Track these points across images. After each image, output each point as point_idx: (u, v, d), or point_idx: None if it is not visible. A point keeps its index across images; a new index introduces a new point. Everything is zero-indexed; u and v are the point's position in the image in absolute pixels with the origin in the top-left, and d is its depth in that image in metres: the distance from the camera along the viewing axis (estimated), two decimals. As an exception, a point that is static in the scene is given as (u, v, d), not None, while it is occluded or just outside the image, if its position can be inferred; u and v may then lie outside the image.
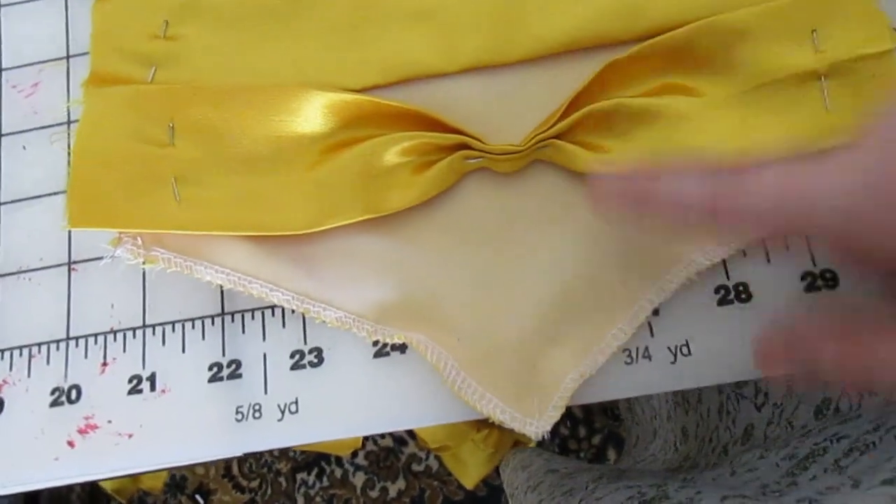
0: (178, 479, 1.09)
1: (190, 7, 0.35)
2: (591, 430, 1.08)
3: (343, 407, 0.31)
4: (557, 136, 0.31)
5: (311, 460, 1.08)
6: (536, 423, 0.29)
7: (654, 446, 0.63)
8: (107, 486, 0.99)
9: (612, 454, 1.07)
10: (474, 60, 0.33)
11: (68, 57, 0.36)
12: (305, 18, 0.34)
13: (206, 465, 1.09)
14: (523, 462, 0.77)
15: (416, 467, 1.07)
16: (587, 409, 1.07)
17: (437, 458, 1.05)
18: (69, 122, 0.35)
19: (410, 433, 1.06)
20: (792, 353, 0.26)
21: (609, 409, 1.08)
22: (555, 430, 1.05)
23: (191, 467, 1.09)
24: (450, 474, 1.02)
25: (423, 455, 1.07)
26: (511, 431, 0.30)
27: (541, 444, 1.07)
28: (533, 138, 0.31)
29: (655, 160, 0.28)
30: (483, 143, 0.31)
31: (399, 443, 1.08)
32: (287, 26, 0.34)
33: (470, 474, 0.99)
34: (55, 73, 0.36)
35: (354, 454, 1.07)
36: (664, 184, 0.26)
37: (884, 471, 0.30)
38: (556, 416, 0.29)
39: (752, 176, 0.25)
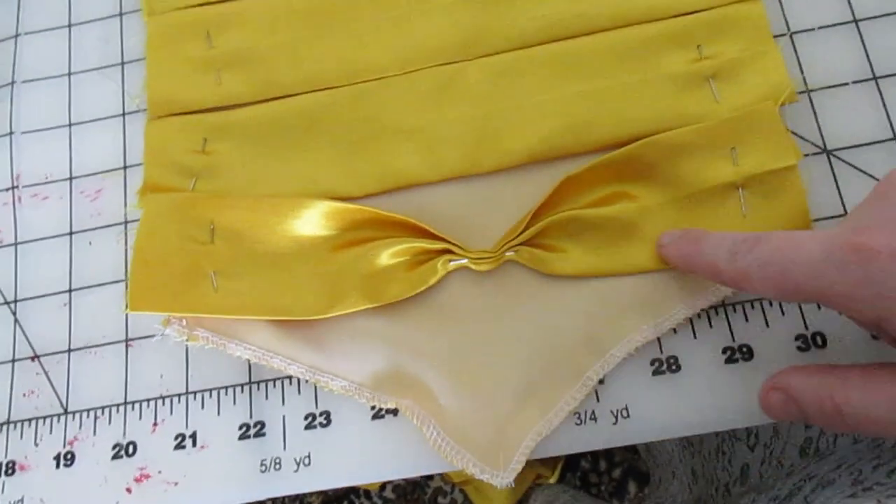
0: (215, 514, 1.11)
1: (223, 127, 0.41)
2: (611, 464, 1.07)
3: (347, 460, 0.36)
4: (523, 242, 0.36)
5: (342, 494, 1.09)
6: (502, 475, 0.34)
7: (673, 487, 0.66)
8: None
9: (632, 487, 1.06)
10: (455, 170, 0.38)
11: (125, 167, 0.42)
12: (316, 135, 0.40)
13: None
14: (549, 497, 0.80)
15: (441, 500, 1.08)
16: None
17: (462, 491, 1.07)
18: (126, 223, 0.41)
19: (436, 468, 1.07)
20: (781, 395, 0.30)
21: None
22: (576, 463, 1.07)
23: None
24: (474, 507, 1.04)
25: (448, 489, 1.08)
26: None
27: (563, 478, 1.09)
28: (503, 245, 0.36)
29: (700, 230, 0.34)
30: (463, 248, 0.37)
31: (425, 477, 1.08)
32: (301, 142, 0.40)
33: (493, 507, 1.02)
34: (115, 181, 0.42)
35: (382, 488, 1.09)
36: (702, 255, 0.32)
37: (832, 502, 0.34)
38: (518, 468, 0.34)
39: (757, 248, 0.29)
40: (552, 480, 1.03)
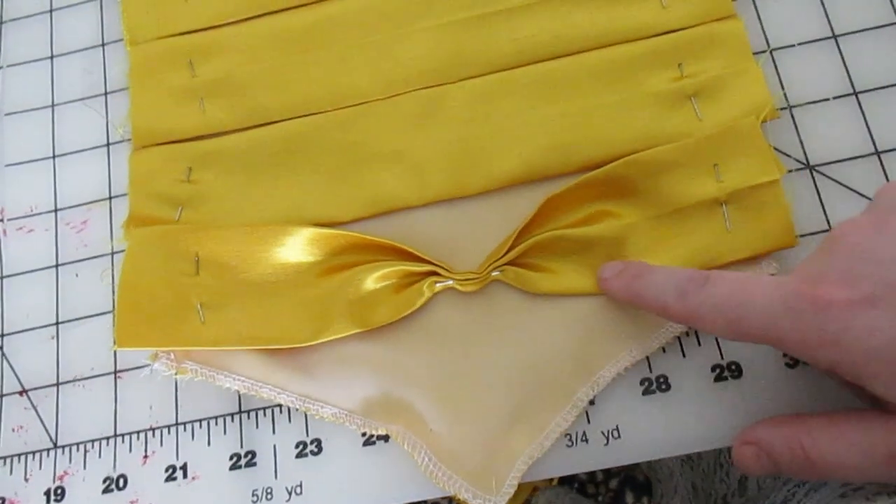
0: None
1: (208, 155, 0.41)
2: (608, 474, 1.06)
3: (339, 488, 0.36)
4: (509, 262, 0.36)
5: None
6: (494, 500, 0.34)
7: (675, 502, 0.66)
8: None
9: (629, 497, 1.07)
10: (440, 194, 0.38)
11: (111, 198, 0.42)
12: (301, 161, 0.40)
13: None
14: (550, 499, 0.80)
15: (441, 515, 1.09)
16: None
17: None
18: (112, 254, 0.41)
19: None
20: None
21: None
22: (573, 474, 1.07)
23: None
24: (473, 522, 1.05)
25: (444, 503, 1.10)
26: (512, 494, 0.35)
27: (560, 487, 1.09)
28: (489, 265, 0.37)
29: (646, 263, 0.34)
30: (449, 270, 0.37)
31: None
32: (286, 168, 0.40)
33: (491, 522, 1.02)
34: (101, 211, 0.42)
35: None
36: (648, 291, 0.33)
37: (824, 503, 0.34)
38: (510, 492, 0.34)
39: (707, 288, 0.30)
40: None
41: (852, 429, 0.28)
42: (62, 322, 0.40)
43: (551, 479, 1.02)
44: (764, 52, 0.39)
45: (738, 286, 0.29)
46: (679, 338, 0.36)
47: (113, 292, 0.40)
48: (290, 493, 0.36)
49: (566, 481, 1.07)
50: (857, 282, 0.27)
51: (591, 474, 1.08)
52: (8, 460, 0.38)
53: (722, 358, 0.36)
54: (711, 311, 0.30)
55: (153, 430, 0.38)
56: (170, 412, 0.38)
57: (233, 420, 0.38)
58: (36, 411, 0.39)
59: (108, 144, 0.43)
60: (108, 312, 0.40)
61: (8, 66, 0.46)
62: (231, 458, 0.37)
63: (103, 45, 0.45)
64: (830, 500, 0.34)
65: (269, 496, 0.36)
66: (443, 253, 0.38)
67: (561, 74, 0.40)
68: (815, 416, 0.30)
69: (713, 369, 0.36)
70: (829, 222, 0.37)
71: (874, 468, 0.28)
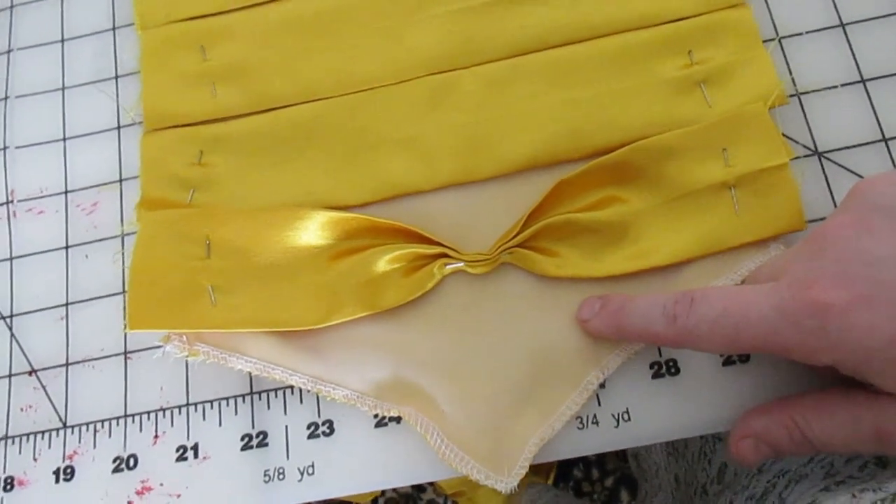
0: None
1: (219, 139, 0.41)
2: (603, 473, 1.08)
3: (351, 469, 0.36)
4: (519, 245, 0.37)
5: (332, 507, 1.10)
6: (506, 481, 0.34)
7: (658, 499, 0.66)
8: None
9: (624, 496, 1.07)
10: (449, 179, 0.39)
11: (121, 180, 0.42)
12: (311, 146, 0.40)
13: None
14: (532, 497, 0.81)
15: (434, 512, 1.07)
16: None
17: (455, 503, 1.07)
18: (123, 236, 0.41)
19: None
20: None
21: (621, 452, 1.08)
22: (568, 472, 1.07)
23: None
24: (467, 519, 1.03)
25: (440, 501, 1.09)
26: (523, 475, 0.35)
27: (556, 486, 1.09)
28: (498, 247, 0.37)
29: (625, 295, 0.34)
30: (458, 252, 0.37)
31: (417, 489, 1.09)
32: (296, 152, 0.40)
33: (485, 519, 1.02)
34: (111, 194, 0.42)
35: (374, 501, 1.09)
36: (633, 322, 0.33)
37: (806, 497, 0.35)
38: (521, 473, 0.34)
39: (697, 308, 0.30)
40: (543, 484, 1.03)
41: (839, 408, 0.30)
42: (72, 303, 0.40)
43: (545, 482, 1.02)
44: (772, 40, 0.40)
45: (730, 301, 0.30)
46: (689, 321, 0.36)
47: (124, 274, 0.40)
48: (302, 474, 0.36)
49: (562, 478, 1.07)
50: (852, 283, 0.27)
51: (587, 473, 1.09)
52: (16, 440, 0.38)
53: (731, 342, 0.36)
54: (708, 328, 0.30)
55: (164, 410, 0.38)
56: (180, 393, 0.38)
57: (244, 401, 0.38)
58: (45, 391, 0.39)
59: (118, 127, 0.43)
60: (118, 294, 0.40)
61: (19, 48, 0.46)
62: (242, 438, 0.37)
63: (114, 28, 0.45)
64: (814, 494, 0.34)
65: (281, 476, 0.36)
66: (453, 237, 0.38)
67: (571, 61, 0.40)
68: (801, 396, 0.31)
69: (722, 353, 0.36)
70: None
71: (862, 444, 0.29)
